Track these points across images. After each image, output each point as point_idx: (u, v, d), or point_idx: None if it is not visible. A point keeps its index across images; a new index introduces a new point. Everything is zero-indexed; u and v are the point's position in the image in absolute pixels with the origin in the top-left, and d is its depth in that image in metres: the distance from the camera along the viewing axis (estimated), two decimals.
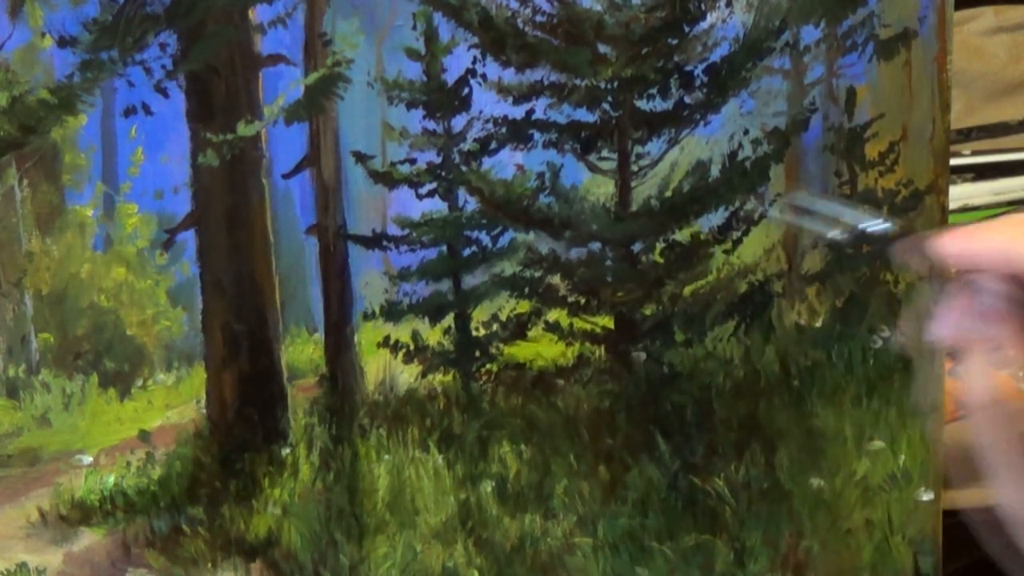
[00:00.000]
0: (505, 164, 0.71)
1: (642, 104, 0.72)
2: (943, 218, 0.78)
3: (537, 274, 0.72)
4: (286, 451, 0.70)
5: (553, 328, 0.73)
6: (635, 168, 0.72)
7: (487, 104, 0.70)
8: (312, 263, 0.69)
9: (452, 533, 0.72)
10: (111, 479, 0.68)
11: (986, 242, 0.47)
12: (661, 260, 0.74)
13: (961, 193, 1.26)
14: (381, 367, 0.71)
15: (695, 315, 0.75)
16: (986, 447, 0.46)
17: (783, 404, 0.76)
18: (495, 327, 0.72)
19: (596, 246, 0.73)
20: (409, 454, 0.71)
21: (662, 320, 0.74)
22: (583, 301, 0.73)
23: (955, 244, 0.47)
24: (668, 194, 0.73)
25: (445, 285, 0.72)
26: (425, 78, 0.69)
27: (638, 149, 0.72)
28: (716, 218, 0.74)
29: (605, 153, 0.72)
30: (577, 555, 0.73)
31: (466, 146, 0.70)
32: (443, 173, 0.70)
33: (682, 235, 0.74)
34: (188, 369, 0.69)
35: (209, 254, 0.68)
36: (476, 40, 0.69)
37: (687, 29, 0.71)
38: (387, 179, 0.69)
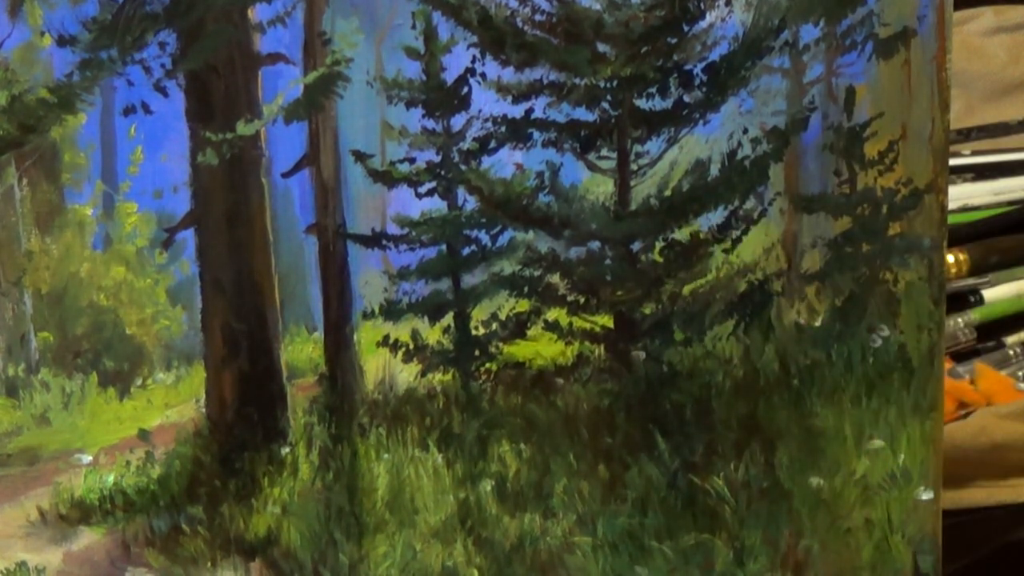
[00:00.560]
0: (504, 163, 0.71)
1: (641, 103, 0.72)
2: (942, 218, 0.78)
3: (536, 273, 0.72)
4: (286, 450, 0.70)
5: (552, 327, 0.73)
6: (634, 167, 0.72)
7: (486, 103, 0.70)
8: (312, 262, 0.69)
9: (451, 532, 0.72)
10: (111, 478, 0.68)
11: None
12: (660, 259, 0.74)
13: (961, 193, 1.26)
14: (380, 366, 0.71)
15: (694, 314, 0.75)
16: None
17: (783, 403, 0.76)
18: (494, 326, 0.72)
19: (595, 245, 0.73)
20: (408, 453, 0.71)
21: (662, 319, 0.74)
22: (582, 300, 0.73)
23: None
24: (667, 193, 0.73)
25: (444, 284, 0.72)
26: (424, 77, 0.69)
27: (637, 148, 0.72)
28: (715, 217, 0.74)
29: (604, 152, 0.72)
30: (577, 554, 0.73)
31: (465, 145, 0.70)
32: (442, 172, 0.70)
33: (681, 234, 0.74)
34: (187, 368, 0.69)
35: (208, 253, 0.68)
36: (475, 39, 0.69)
37: (686, 28, 0.71)
38: (386, 178, 0.69)
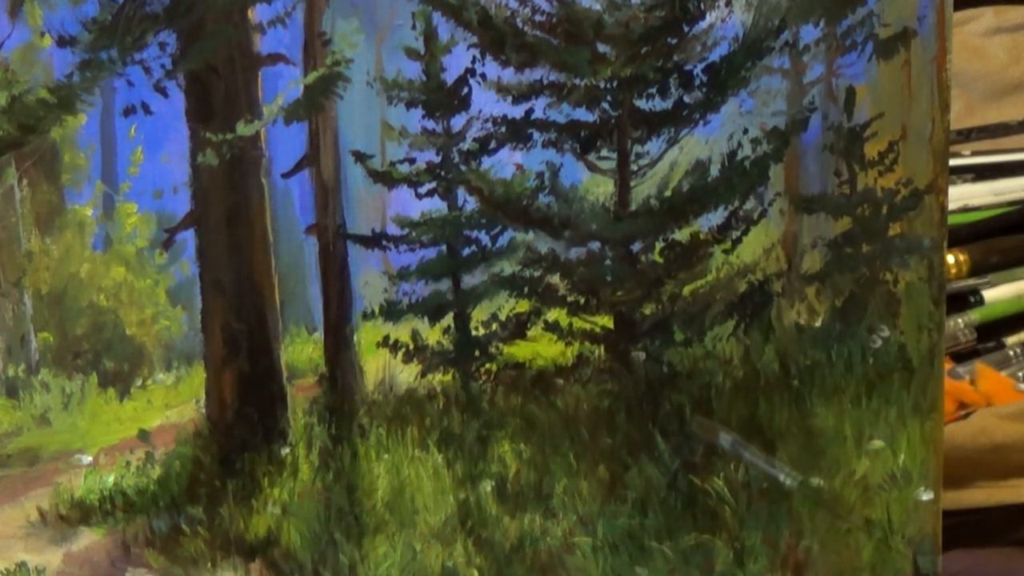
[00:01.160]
0: (504, 163, 0.71)
1: (641, 104, 0.72)
2: (942, 218, 0.78)
3: (536, 273, 0.72)
4: (286, 451, 0.70)
5: (552, 328, 0.73)
6: (634, 168, 0.72)
7: (486, 103, 0.70)
8: (312, 263, 0.69)
9: (452, 533, 0.72)
10: (111, 479, 0.68)
11: None
12: (661, 260, 0.74)
13: (961, 193, 1.26)
14: (380, 367, 0.71)
15: (695, 315, 0.75)
16: None
17: (783, 404, 0.76)
18: (494, 327, 0.72)
19: (595, 246, 0.73)
20: (408, 454, 0.71)
21: (662, 320, 0.74)
22: (582, 301, 0.73)
23: None
24: (667, 194, 0.73)
25: (444, 284, 0.72)
26: (424, 77, 0.69)
27: (637, 148, 0.72)
28: (715, 218, 0.74)
29: (604, 152, 0.72)
30: (577, 555, 0.73)
31: (465, 145, 0.70)
32: (442, 172, 0.70)
33: (681, 235, 0.74)
34: (187, 369, 0.69)
35: (208, 254, 0.68)
36: (475, 39, 0.69)
37: (686, 29, 0.71)
38: (386, 178, 0.69)
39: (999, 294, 1.21)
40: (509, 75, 0.70)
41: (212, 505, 0.69)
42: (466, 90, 0.69)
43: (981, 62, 1.41)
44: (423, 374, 0.72)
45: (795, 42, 0.73)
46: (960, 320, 1.18)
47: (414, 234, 0.70)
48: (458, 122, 0.70)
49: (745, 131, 0.73)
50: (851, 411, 0.77)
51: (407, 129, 0.69)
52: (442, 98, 0.69)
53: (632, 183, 0.73)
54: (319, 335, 0.69)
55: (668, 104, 0.72)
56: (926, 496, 0.79)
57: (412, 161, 0.69)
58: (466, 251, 0.71)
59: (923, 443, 0.79)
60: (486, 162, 0.70)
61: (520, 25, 0.69)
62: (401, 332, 0.71)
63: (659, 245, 0.74)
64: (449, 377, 0.72)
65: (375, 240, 0.70)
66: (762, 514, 0.75)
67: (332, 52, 0.66)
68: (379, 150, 0.69)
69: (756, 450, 0.66)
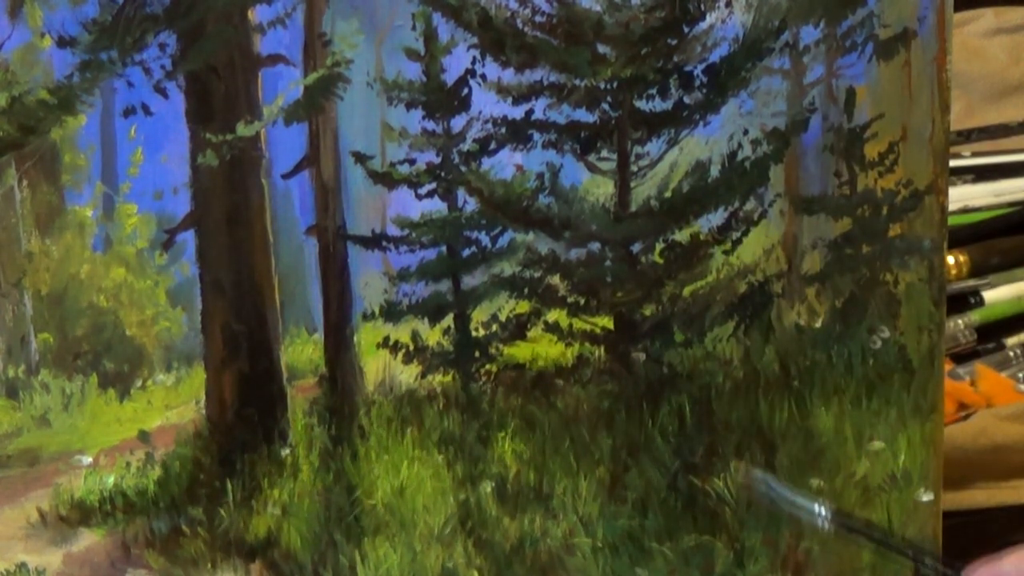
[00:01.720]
0: (504, 164, 0.71)
1: (641, 104, 0.72)
2: (943, 219, 0.78)
3: (537, 274, 0.72)
4: (286, 451, 0.70)
5: (553, 328, 0.73)
6: (634, 168, 0.72)
7: (486, 104, 0.70)
8: (312, 263, 0.69)
9: (452, 533, 0.72)
10: (111, 480, 0.68)
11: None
12: (661, 260, 0.74)
13: (961, 194, 1.26)
14: (381, 368, 0.71)
15: (695, 315, 0.75)
16: None
17: (783, 404, 0.76)
18: (495, 327, 0.72)
19: (596, 246, 0.73)
20: (409, 454, 0.71)
21: (662, 320, 0.74)
22: (583, 301, 0.73)
23: None
24: (668, 194, 0.73)
25: (444, 285, 0.72)
26: (424, 78, 0.69)
27: (637, 149, 0.72)
28: (716, 218, 0.74)
29: (604, 153, 0.72)
30: (577, 555, 0.73)
31: (465, 146, 0.70)
32: (443, 173, 0.70)
33: (682, 235, 0.74)
34: (188, 370, 0.69)
35: (209, 254, 0.68)
36: (475, 40, 0.69)
37: (687, 29, 0.71)
38: (386, 179, 0.69)
39: (999, 295, 1.21)
40: (509, 76, 0.70)
41: (212, 506, 0.69)
42: (466, 91, 0.69)
43: (981, 63, 1.41)
44: (423, 375, 0.72)
45: (795, 43, 0.73)
46: (960, 321, 1.18)
47: (414, 235, 0.70)
48: (458, 123, 0.70)
49: (745, 132, 0.73)
50: (851, 412, 0.77)
51: (407, 130, 0.69)
52: (442, 99, 0.69)
53: (632, 184, 0.73)
54: (319, 336, 0.69)
55: (668, 105, 0.72)
56: (926, 497, 0.79)
57: (412, 162, 0.69)
58: (466, 252, 0.71)
59: (923, 444, 0.79)
60: (486, 163, 0.70)
61: (520, 26, 0.69)
62: (401, 333, 0.71)
63: (659, 246, 0.74)
64: (449, 378, 0.72)
65: (375, 241, 0.70)
66: (762, 515, 0.75)
67: (332, 53, 0.66)
68: (379, 151, 0.69)
69: (791, 488, 0.65)
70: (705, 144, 0.73)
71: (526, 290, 0.72)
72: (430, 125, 0.69)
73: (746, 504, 0.75)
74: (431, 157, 0.70)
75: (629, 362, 0.74)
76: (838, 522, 0.62)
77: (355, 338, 0.70)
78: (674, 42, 0.71)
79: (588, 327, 0.74)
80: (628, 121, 0.72)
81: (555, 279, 0.73)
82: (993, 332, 1.20)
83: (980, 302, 1.20)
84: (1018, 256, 1.24)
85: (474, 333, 0.72)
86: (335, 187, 0.69)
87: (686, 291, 0.74)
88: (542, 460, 0.73)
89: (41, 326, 0.67)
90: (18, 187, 0.65)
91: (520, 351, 0.73)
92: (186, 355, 0.68)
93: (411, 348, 0.71)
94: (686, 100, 0.72)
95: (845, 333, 0.78)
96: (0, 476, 0.67)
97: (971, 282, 1.20)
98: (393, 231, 0.70)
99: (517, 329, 0.73)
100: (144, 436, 0.68)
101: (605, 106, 0.71)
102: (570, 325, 0.73)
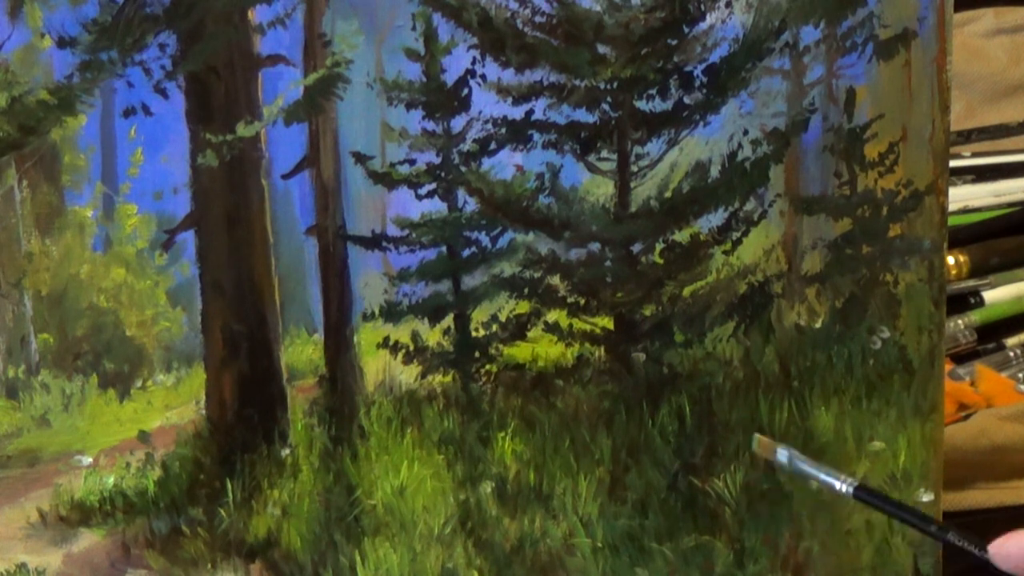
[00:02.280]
0: (504, 165, 0.71)
1: (641, 105, 0.72)
2: (943, 219, 0.78)
3: (536, 275, 0.72)
4: (286, 452, 0.70)
5: (553, 329, 0.73)
6: (634, 169, 0.72)
7: (486, 104, 0.70)
8: (312, 264, 0.69)
9: (452, 534, 0.72)
10: (111, 480, 0.68)
11: None
12: (661, 261, 0.74)
13: (961, 195, 1.26)
14: (381, 368, 0.71)
15: (695, 316, 0.75)
16: None
17: (783, 405, 0.76)
18: (495, 328, 0.72)
19: (596, 247, 0.73)
20: (409, 455, 0.71)
21: (662, 321, 0.74)
22: (583, 302, 0.73)
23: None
24: (668, 195, 0.73)
25: (444, 286, 0.72)
26: (424, 79, 0.69)
27: (637, 150, 0.72)
28: (716, 219, 0.74)
29: (604, 154, 0.72)
30: (577, 556, 0.73)
31: (465, 147, 0.70)
32: (442, 174, 0.70)
33: (682, 236, 0.74)
34: (187, 370, 0.69)
35: (208, 255, 0.68)
36: (475, 41, 0.69)
37: (687, 30, 0.71)
38: (386, 180, 0.69)
39: (999, 295, 1.21)
40: (509, 76, 0.70)
41: (212, 506, 0.69)
42: (466, 91, 0.69)
43: (981, 63, 1.41)
44: (423, 375, 0.72)
45: (795, 43, 0.73)
46: (960, 321, 1.18)
47: (414, 235, 0.70)
48: (458, 123, 0.70)
49: (745, 132, 0.73)
50: (851, 412, 0.77)
51: (407, 130, 0.69)
52: (442, 99, 0.69)
53: (632, 184, 0.73)
54: (319, 336, 0.69)
55: (668, 105, 0.72)
56: (926, 497, 0.79)
57: (412, 162, 0.69)
58: (466, 252, 0.71)
59: (923, 444, 0.79)
60: (486, 163, 0.70)
61: (520, 26, 0.69)
62: (401, 333, 0.71)
63: (659, 246, 0.74)
64: (449, 378, 0.72)
65: (375, 241, 0.70)
66: (762, 515, 0.75)
67: (332, 53, 0.66)
68: (379, 151, 0.69)
69: (812, 461, 0.66)
70: (705, 144, 0.73)
71: (526, 290, 0.72)
72: (430, 125, 0.69)
73: (746, 504, 0.75)
74: (431, 157, 0.70)
75: (629, 362, 0.74)
76: (861, 496, 0.62)
77: (355, 338, 0.70)
78: (674, 42, 0.71)
79: (588, 327, 0.74)
80: (628, 121, 0.72)
81: (555, 279, 0.73)
82: (993, 332, 1.20)
83: (980, 302, 1.20)
84: (1018, 256, 1.24)
85: (474, 333, 0.72)
86: (335, 187, 0.69)
87: (686, 291, 0.74)
88: (542, 460, 0.73)
89: (41, 326, 0.67)
90: (18, 187, 0.65)
91: (520, 351, 0.73)
92: (186, 355, 0.68)
93: (411, 348, 0.71)
94: (686, 100, 0.72)
95: (845, 333, 0.78)
96: (0, 476, 0.67)
97: (971, 282, 1.20)
98: (393, 231, 0.70)
99: (517, 329, 0.73)
100: (144, 436, 0.68)
101: (605, 106, 0.71)
102: (570, 325, 0.73)
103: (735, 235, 0.75)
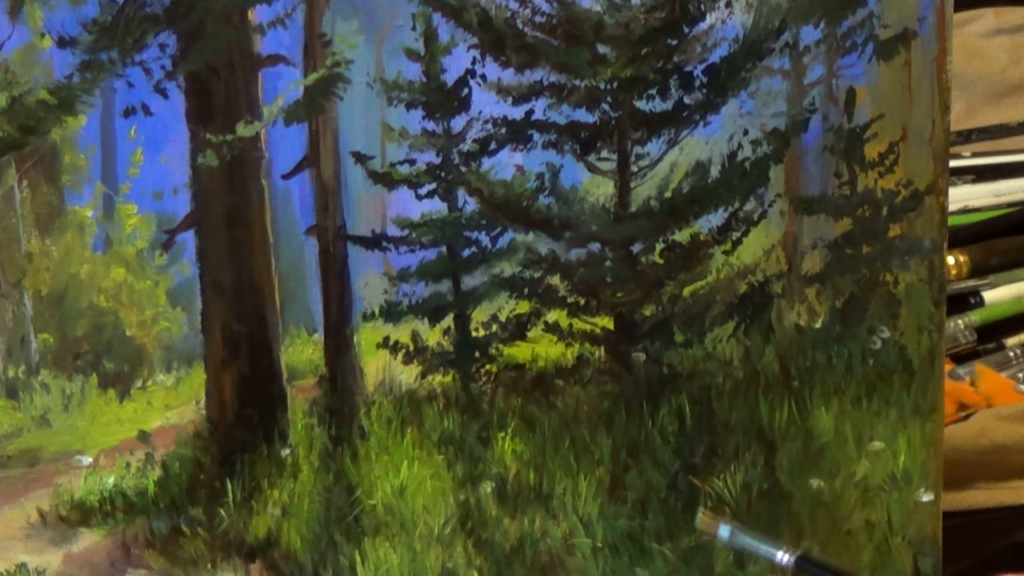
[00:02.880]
0: (504, 165, 0.71)
1: (642, 105, 0.72)
2: (943, 219, 0.78)
3: (536, 275, 0.72)
4: (286, 452, 0.70)
5: (553, 329, 0.73)
6: (635, 169, 0.72)
7: (486, 105, 0.70)
8: (312, 264, 0.69)
9: (452, 534, 0.72)
10: (111, 480, 0.68)
11: None
12: (661, 261, 0.74)
13: (961, 195, 1.26)
14: (381, 368, 0.71)
15: (695, 316, 0.75)
16: None
17: (783, 405, 0.76)
18: (495, 328, 0.72)
19: (596, 247, 0.73)
20: (409, 455, 0.71)
21: (662, 321, 0.74)
22: (583, 302, 0.73)
23: None
24: (668, 195, 0.73)
25: (445, 286, 0.72)
26: (424, 79, 0.69)
27: (638, 150, 0.72)
28: (716, 219, 0.74)
29: (605, 154, 0.72)
30: (577, 556, 0.73)
31: (465, 147, 0.70)
32: (443, 174, 0.70)
33: (682, 236, 0.74)
34: (187, 370, 0.69)
35: (208, 255, 0.68)
36: (475, 41, 0.69)
37: (687, 30, 0.71)
38: (386, 180, 0.69)
39: (999, 295, 1.21)
40: (509, 76, 0.70)
41: (212, 506, 0.69)
42: (466, 91, 0.69)
43: (981, 63, 1.41)
44: (423, 375, 0.72)
45: (795, 43, 0.73)
46: (960, 321, 1.18)
47: (414, 235, 0.70)
48: (458, 123, 0.70)
49: (745, 132, 0.73)
50: (851, 412, 0.77)
51: (407, 130, 0.69)
52: (442, 99, 0.69)
53: (632, 184, 0.73)
54: (319, 336, 0.69)
55: (668, 105, 0.72)
56: (926, 497, 0.79)
57: (412, 162, 0.69)
58: (466, 252, 0.71)
59: (923, 444, 0.79)
60: (486, 163, 0.70)
61: (520, 26, 0.69)
62: (401, 333, 0.71)
63: (659, 246, 0.74)
64: (449, 378, 0.72)
65: (375, 241, 0.70)
66: (762, 515, 0.75)
67: (332, 53, 0.66)
68: (379, 151, 0.69)
69: (753, 534, 0.66)
70: (705, 144, 0.73)
71: (526, 290, 0.72)
72: (430, 125, 0.69)
73: (746, 504, 0.75)
74: (431, 157, 0.70)
75: (629, 362, 0.74)
76: (803, 566, 0.63)
77: (355, 338, 0.70)
78: (674, 42, 0.71)
79: (588, 327, 0.74)
80: (628, 121, 0.72)
81: (555, 279, 0.73)
82: (993, 332, 1.20)
83: (980, 302, 1.20)
84: (1018, 256, 1.24)
85: (474, 333, 0.72)
86: (335, 187, 0.69)
87: (686, 291, 0.74)
88: (542, 460, 0.73)
89: (41, 326, 0.67)
90: (18, 187, 0.65)
91: (520, 351, 0.73)
92: (186, 355, 0.68)
93: (411, 348, 0.71)
94: (686, 100, 0.72)
95: (845, 333, 0.78)
96: (0, 476, 0.67)
97: (971, 282, 1.20)
98: (393, 231, 0.70)
99: (517, 329, 0.73)
100: (144, 436, 0.68)
101: (605, 106, 0.71)
102: (570, 325, 0.73)
103: (735, 235, 0.75)
